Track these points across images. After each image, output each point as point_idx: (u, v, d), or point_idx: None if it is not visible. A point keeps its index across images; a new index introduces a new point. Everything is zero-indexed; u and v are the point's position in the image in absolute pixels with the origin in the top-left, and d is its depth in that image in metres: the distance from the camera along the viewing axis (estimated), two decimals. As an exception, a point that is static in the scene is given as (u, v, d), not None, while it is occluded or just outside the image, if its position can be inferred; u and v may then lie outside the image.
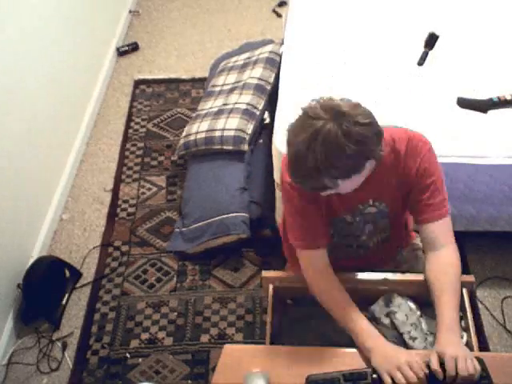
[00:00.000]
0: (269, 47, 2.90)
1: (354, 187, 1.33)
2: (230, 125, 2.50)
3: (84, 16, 3.07)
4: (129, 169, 2.85)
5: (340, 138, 1.17)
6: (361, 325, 1.33)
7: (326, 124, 1.18)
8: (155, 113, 3.17)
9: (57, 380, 2.07)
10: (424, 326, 1.43)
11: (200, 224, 2.39)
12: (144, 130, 3.06)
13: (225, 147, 2.48)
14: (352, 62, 2.39)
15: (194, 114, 2.83)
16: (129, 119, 3.14)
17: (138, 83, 3.38)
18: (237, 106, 2.60)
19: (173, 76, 3.42)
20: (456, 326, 1.30)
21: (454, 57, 2.39)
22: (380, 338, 1.31)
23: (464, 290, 1.46)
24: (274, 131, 2.14)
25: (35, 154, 2.43)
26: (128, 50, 3.62)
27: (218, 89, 2.83)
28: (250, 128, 2.50)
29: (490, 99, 2.14)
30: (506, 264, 2.30)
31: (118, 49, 3.59)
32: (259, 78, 2.71)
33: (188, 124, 2.76)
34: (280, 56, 2.74)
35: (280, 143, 2.01)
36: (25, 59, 2.35)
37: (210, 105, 2.74)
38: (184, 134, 2.70)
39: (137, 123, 3.11)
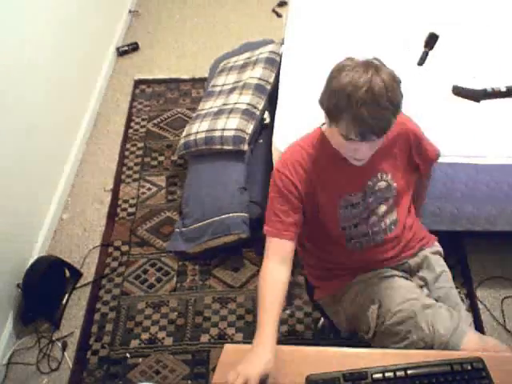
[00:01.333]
0: (269, 47, 2.90)
1: (369, 155, 1.40)
2: (230, 125, 2.50)
3: (84, 16, 3.07)
4: (129, 169, 2.85)
5: (386, 89, 1.26)
6: (264, 324, 1.35)
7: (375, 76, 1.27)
8: (155, 113, 3.17)
9: (57, 380, 2.07)
10: None
11: (200, 224, 2.39)
12: (144, 129, 3.06)
13: (225, 147, 2.48)
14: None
15: (194, 114, 2.83)
16: (129, 119, 3.14)
17: (137, 83, 3.38)
18: (237, 105, 2.60)
19: (173, 76, 3.42)
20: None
21: (451, 51, 2.40)
22: (262, 345, 1.28)
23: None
24: (274, 131, 2.14)
25: (35, 154, 2.43)
26: (128, 49, 3.62)
27: (218, 89, 2.83)
28: (249, 128, 2.50)
29: (484, 89, 2.17)
30: (505, 264, 2.30)
31: (117, 49, 3.59)
32: (259, 78, 2.71)
33: (188, 124, 2.76)
34: (280, 56, 2.74)
35: (280, 143, 2.01)
36: (25, 59, 2.35)
37: (210, 105, 2.74)
38: (184, 133, 2.69)
39: (137, 123, 3.11)
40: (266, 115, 2.63)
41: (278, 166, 1.49)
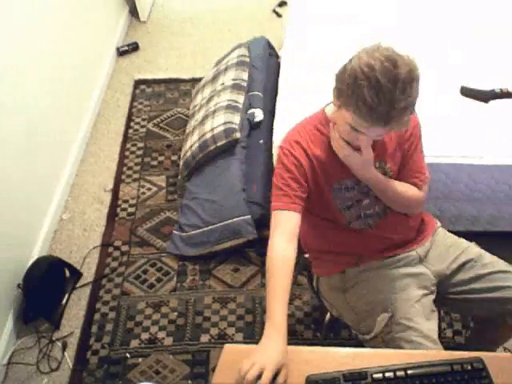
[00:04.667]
0: (235, 53, 2.95)
1: (371, 143, 1.41)
2: (218, 122, 2.52)
3: (84, 16, 3.08)
4: (129, 169, 2.85)
5: (403, 82, 1.25)
6: (275, 314, 1.32)
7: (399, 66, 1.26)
8: (155, 113, 3.17)
9: (57, 380, 2.07)
10: None
11: (203, 230, 2.39)
12: (144, 130, 3.06)
13: (218, 144, 2.47)
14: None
15: (184, 136, 2.85)
16: (129, 119, 3.14)
17: (137, 83, 3.38)
18: (218, 105, 2.62)
19: (173, 76, 3.42)
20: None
21: (458, 51, 2.40)
22: (276, 335, 1.27)
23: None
24: (274, 131, 2.14)
25: (35, 154, 2.43)
26: (128, 49, 3.62)
27: (197, 107, 2.85)
28: (236, 119, 2.52)
29: (493, 90, 2.17)
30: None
31: (118, 49, 3.59)
32: (234, 79, 2.74)
33: (182, 145, 2.77)
34: (249, 57, 2.85)
35: (280, 143, 2.01)
36: (25, 59, 2.35)
37: (195, 119, 2.76)
38: (182, 154, 2.71)
39: (137, 123, 3.11)
40: (259, 113, 2.61)
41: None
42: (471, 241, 1.72)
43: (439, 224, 1.73)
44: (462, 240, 1.70)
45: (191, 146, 2.60)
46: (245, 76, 2.77)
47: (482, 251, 1.66)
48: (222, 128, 2.48)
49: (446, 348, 1.98)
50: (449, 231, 1.75)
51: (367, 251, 1.62)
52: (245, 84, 2.72)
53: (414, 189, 1.58)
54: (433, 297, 1.59)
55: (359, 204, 1.57)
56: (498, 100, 2.17)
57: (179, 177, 2.72)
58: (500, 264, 1.62)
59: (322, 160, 1.50)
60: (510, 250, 2.33)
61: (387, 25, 2.58)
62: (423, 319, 1.51)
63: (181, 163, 2.69)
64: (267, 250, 1.44)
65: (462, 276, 1.61)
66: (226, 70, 2.86)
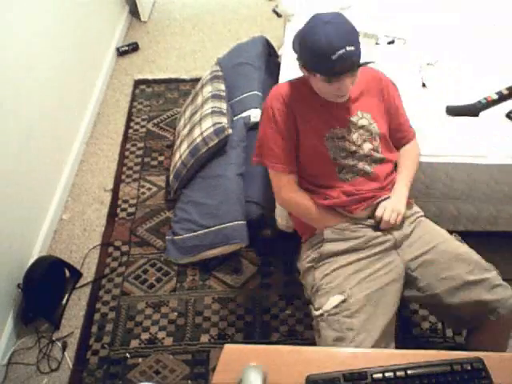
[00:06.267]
0: (208, 71, 2.96)
1: (350, 87, 1.59)
2: (206, 126, 2.49)
3: (84, 16, 3.08)
4: (129, 169, 2.85)
5: (345, 23, 1.57)
6: (319, 210, 1.73)
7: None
8: (155, 113, 3.17)
9: (57, 380, 2.07)
10: None
11: (197, 233, 2.37)
12: (144, 129, 3.06)
13: (210, 145, 2.44)
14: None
15: (171, 153, 2.82)
16: (129, 119, 3.14)
17: (137, 83, 3.39)
18: (203, 114, 2.59)
19: (173, 76, 3.42)
20: (403, 198, 1.73)
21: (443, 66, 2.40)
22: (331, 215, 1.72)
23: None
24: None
25: (35, 154, 2.43)
26: (128, 49, 3.62)
27: (181, 128, 2.80)
28: (224, 121, 2.49)
29: (478, 102, 2.17)
30: (505, 264, 2.29)
31: (117, 49, 3.59)
32: (211, 91, 2.73)
33: (171, 162, 2.72)
34: (222, 71, 2.89)
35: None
36: (25, 59, 2.35)
37: (182, 135, 2.72)
38: (171, 169, 2.66)
39: (137, 123, 3.11)
40: (257, 113, 2.60)
41: (267, 100, 1.73)
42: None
43: (421, 213, 1.81)
44: (443, 232, 1.75)
45: (180, 156, 2.56)
46: (222, 87, 2.77)
47: (460, 248, 1.69)
48: (211, 130, 2.45)
49: (446, 348, 1.99)
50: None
51: (354, 201, 1.72)
52: (224, 94, 2.72)
53: (411, 152, 1.85)
54: (396, 288, 1.63)
55: (353, 155, 1.72)
56: (487, 110, 2.17)
57: (170, 194, 2.64)
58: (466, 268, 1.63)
59: (308, 112, 1.69)
60: (510, 250, 2.34)
61: (385, 28, 2.58)
62: (372, 310, 1.56)
63: (170, 177, 2.62)
64: (283, 200, 1.80)
65: (424, 272, 1.65)
66: (202, 87, 2.85)
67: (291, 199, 1.77)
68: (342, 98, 1.65)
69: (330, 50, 1.48)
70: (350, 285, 1.60)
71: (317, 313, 1.60)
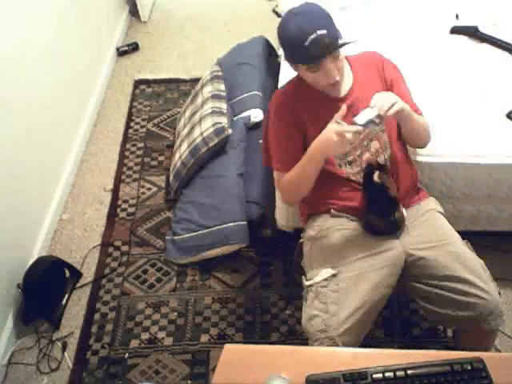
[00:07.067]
0: (208, 72, 2.95)
1: (337, 71, 1.56)
2: (206, 126, 2.50)
3: (84, 16, 3.08)
4: (129, 169, 2.85)
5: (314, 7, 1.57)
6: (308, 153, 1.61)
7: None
8: (155, 113, 3.17)
9: (57, 380, 2.07)
10: None
11: (197, 233, 2.38)
12: (144, 130, 3.06)
13: (210, 145, 2.45)
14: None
15: (171, 153, 2.82)
16: (129, 119, 3.14)
17: (138, 83, 3.39)
18: (203, 114, 2.60)
19: (173, 76, 3.42)
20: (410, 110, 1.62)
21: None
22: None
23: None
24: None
25: (35, 154, 2.43)
26: (128, 50, 3.62)
27: (181, 128, 2.80)
28: (224, 120, 2.50)
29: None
30: (505, 264, 2.29)
31: (117, 49, 3.59)
32: (211, 91, 2.73)
33: (170, 163, 2.73)
34: (221, 70, 2.88)
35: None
36: (25, 59, 2.35)
37: (182, 135, 2.73)
38: (170, 169, 2.66)
39: (137, 123, 3.11)
40: (258, 113, 2.60)
41: (271, 109, 1.73)
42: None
43: (440, 209, 1.80)
44: (455, 234, 1.72)
45: (180, 156, 2.56)
46: (222, 87, 2.77)
47: (464, 252, 1.66)
48: (211, 130, 2.46)
49: (446, 348, 1.99)
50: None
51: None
52: (224, 94, 2.72)
53: (420, 116, 1.74)
54: (390, 272, 1.62)
55: (360, 158, 1.69)
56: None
57: (170, 194, 2.64)
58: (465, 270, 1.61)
59: (311, 114, 1.66)
60: (510, 250, 2.34)
61: (385, 28, 2.58)
62: (360, 289, 1.57)
63: (170, 177, 2.63)
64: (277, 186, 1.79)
65: (421, 265, 1.63)
66: (202, 87, 2.85)
67: (291, 184, 1.72)
68: (336, 86, 1.62)
69: (301, 36, 1.48)
70: (344, 261, 1.62)
71: (307, 283, 1.64)
